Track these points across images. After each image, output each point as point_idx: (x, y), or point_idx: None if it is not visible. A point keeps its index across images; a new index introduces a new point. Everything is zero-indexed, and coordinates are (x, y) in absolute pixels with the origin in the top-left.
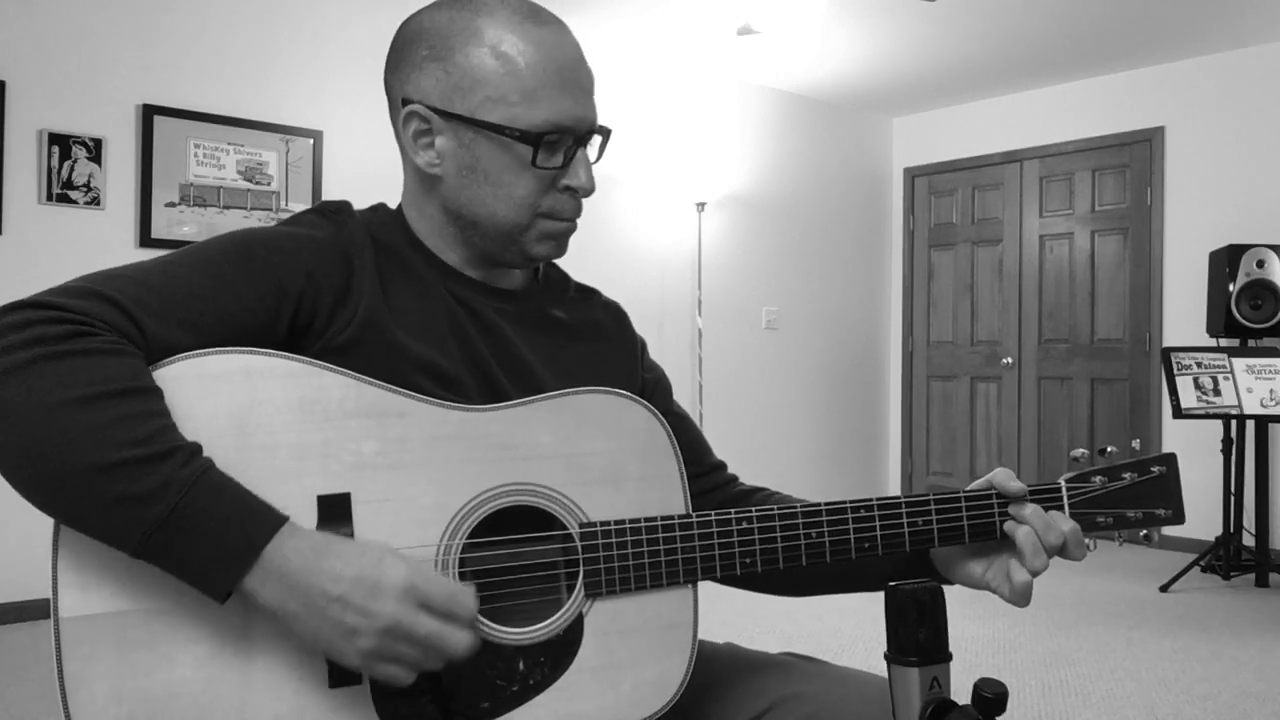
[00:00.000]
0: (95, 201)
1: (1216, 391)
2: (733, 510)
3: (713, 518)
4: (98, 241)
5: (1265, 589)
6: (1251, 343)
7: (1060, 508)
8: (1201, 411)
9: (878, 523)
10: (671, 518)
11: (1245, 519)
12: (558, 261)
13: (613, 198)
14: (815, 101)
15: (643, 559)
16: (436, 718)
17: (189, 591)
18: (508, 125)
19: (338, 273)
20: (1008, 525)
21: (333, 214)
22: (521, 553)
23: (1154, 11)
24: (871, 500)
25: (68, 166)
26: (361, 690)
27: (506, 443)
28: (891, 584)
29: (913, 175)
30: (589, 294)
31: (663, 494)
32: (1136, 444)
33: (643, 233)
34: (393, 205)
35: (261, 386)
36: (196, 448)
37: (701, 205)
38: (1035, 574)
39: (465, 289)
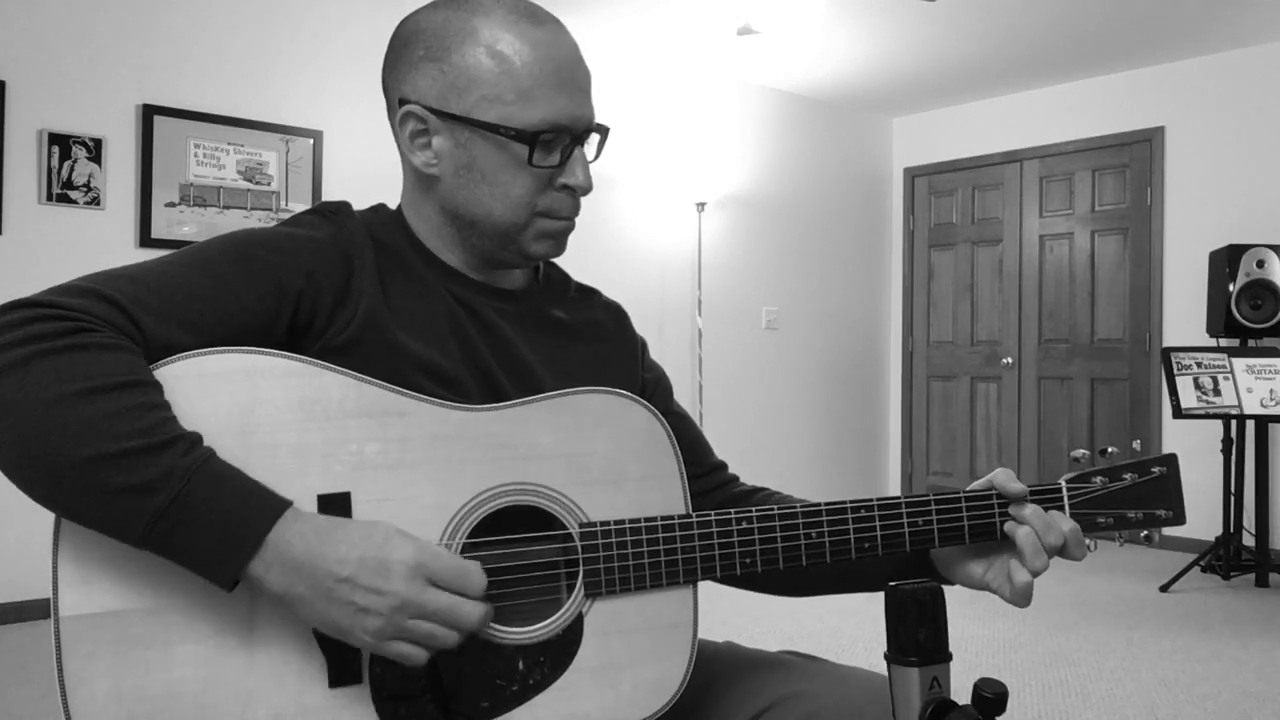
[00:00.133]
0: (95, 201)
1: (1216, 391)
2: (733, 510)
3: (713, 518)
4: (98, 241)
5: (1265, 589)
6: (1251, 343)
7: (1061, 508)
8: (1201, 411)
9: (878, 523)
10: (671, 518)
11: (1245, 519)
12: (557, 261)
13: (613, 198)
14: (815, 101)
15: (643, 559)
16: (436, 717)
17: (190, 590)
18: (504, 124)
19: (338, 273)
20: (1008, 526)
21: (332, 214)
22: (521, 552)
23: (1154, 11)
24: (871, 500)
25: (68, 166)
26: (362, 690)
27: (506, 442)
28: (891, 584)
29: (913, 175)
30: (589, 294)
31: (663, 494)
32: (1137, 444)
33: (643, 233)
34: (393, 205)
35: (262, 386)
36: (197, 437)
37: (701, 205)
38: (1036, 574)
39: (465, 289)
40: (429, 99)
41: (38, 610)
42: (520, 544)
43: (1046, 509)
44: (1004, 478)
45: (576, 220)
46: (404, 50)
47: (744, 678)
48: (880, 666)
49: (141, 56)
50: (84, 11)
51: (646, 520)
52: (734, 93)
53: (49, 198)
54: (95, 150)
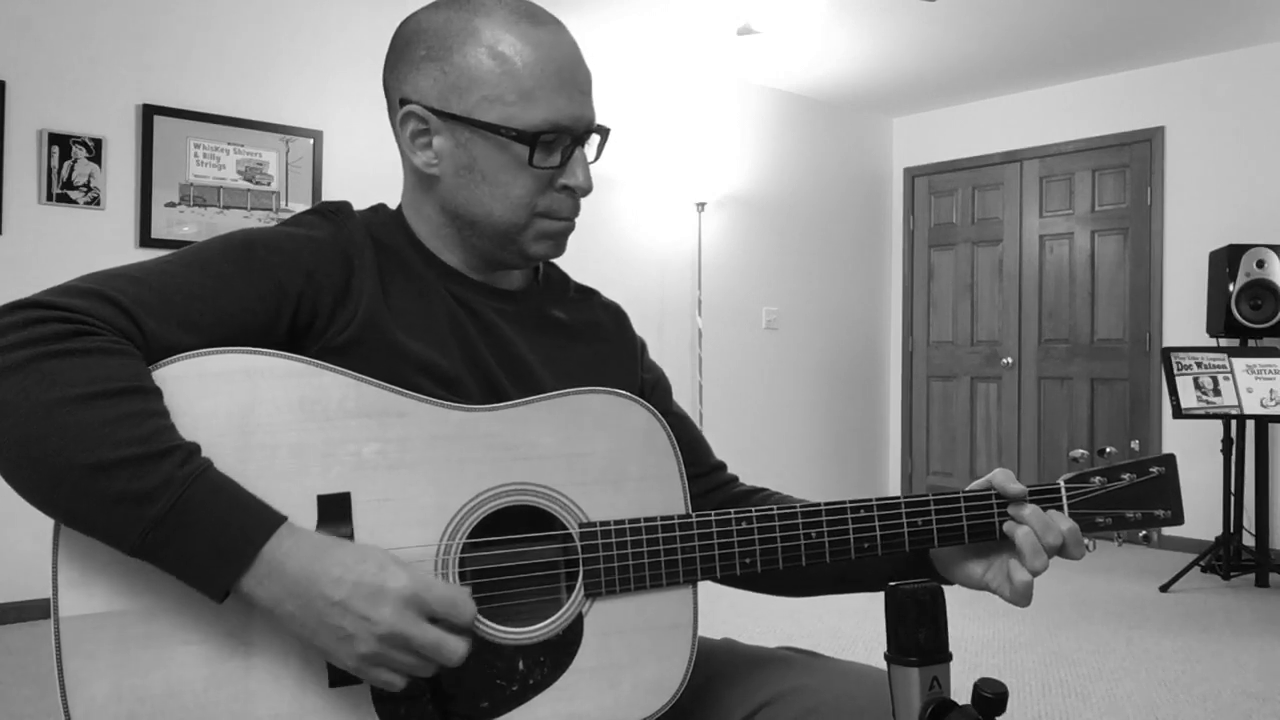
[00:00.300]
0: (95, 201)
1: (1216, 391)
2: (732, 510)
3: (712, 518)
4: (98, 241)
5: (1265, 589)
6: (1251, 343)
7: (1059, 508)
8: (1201, 411)
9: (877, 523)
10: (671, 518)
11: (1245, 519)
12: (557, 262)
13: (613, 198)
14: (815, 101)
15: (642, 559)
16: (436, 717)
17: (190, 591)
18: (504, 125)
19: (338, 273)
20: (1007, 526)
21: (333, 214)
22: (521, 553)
23: (1154, 11)
24: (871, 500)
25: (68, 166)
26: (361, 690)
27: (506, 443)
28: (891, 584)
29: (913, 175)
30: (589, 294)
31: (662, 494)
32: (1135, 445)
33: (643, 233)
34: (393, 205)
35: (262, 386)
36: (195, 447)
37: (701, 205)
38: (1035, 574)
39: (465, 289)
40: (430, 99)
41: (38, 610)
42: (520, 544)
43: (1045, 509)
44: (1003, 478)
45: (576, 221)
46: (405, 50)
47: (743, 674)
48: (880, 666)
49: (141, 56)
50: (84, 11)
51: (646, 520)
52: (734, 93)
53: (49, 198)
54: (95, 150)
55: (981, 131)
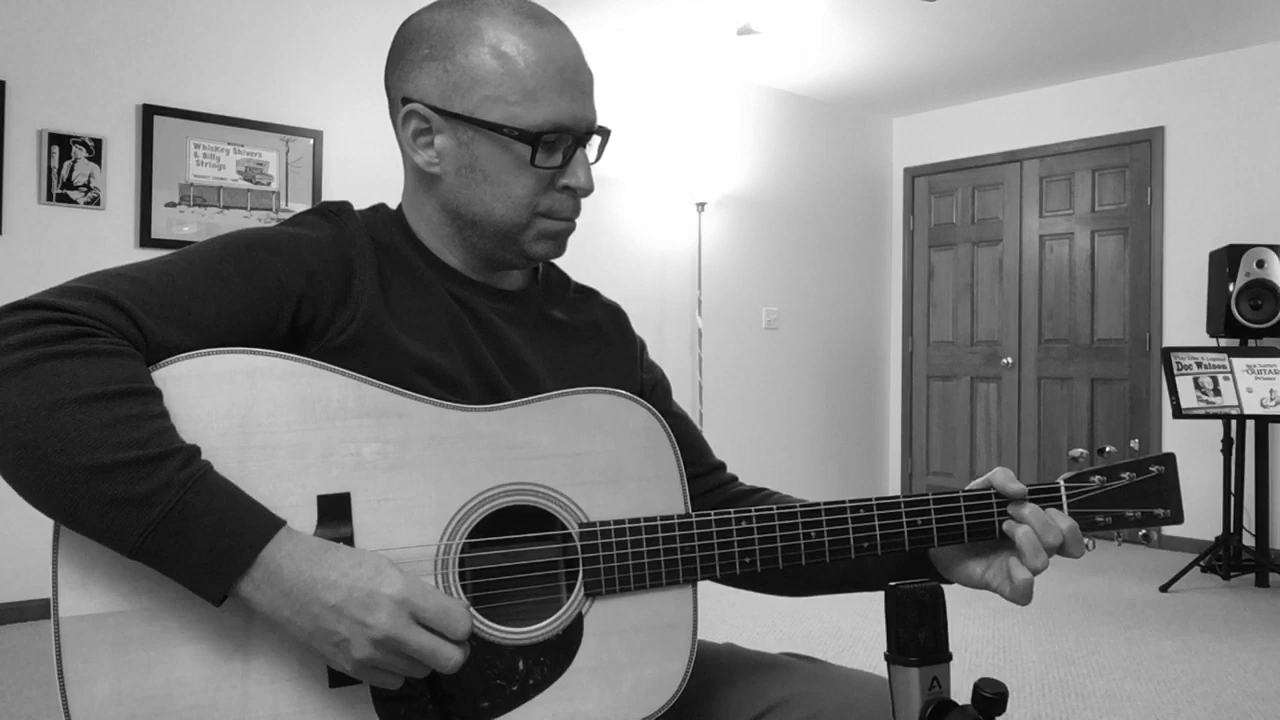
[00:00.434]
0: (95, 201)
1: (1216, 391)
2: (732, 510)
3: (712, 518)
4: (98, 241)
5: (1265, 589)
6: (1251, 343)
7: (1059, 507)
8: (1201, 411)
9: (877, 523)
10: (671, 518)
11: (1245, 519)
12: (557, 262)
13: (613, 198)
14: (815, 101)
15: (642, 559)
16: (436, 717)
17: (189, 592)
18: (507, 124)
19: (338, 273)
20: (1006, 525)
21: (333, 214)
22: (521, 552)
23: (1154, 11)
24: (870, 500)
25: (68, 166)
26: (361, 690)
27: (506, 443)
28: (891, 584)
29: (913, 175)
30: (589, 295)
31: (662, 494)
32: (1135, 444)
33: (643, 233)
34: (393, 205)
35: (262, 386)
36: (195, 450)
37: (701, 205)
38: (1035, 573)
39: (465, 290)
40: (432, 98)
41: (38, 610)
42: (520, 544)
43: (1044, 508)
44: (1003, 477)
45: (577, 221)
46: (407, 49)
47: (744, 679)
48: (880, 666)
49: (141, 56)
50: (84, 11)
51: (646, 520)
52: (734, 93)
53: (49, 198)
54: (95, 150)
55: (981, 131)
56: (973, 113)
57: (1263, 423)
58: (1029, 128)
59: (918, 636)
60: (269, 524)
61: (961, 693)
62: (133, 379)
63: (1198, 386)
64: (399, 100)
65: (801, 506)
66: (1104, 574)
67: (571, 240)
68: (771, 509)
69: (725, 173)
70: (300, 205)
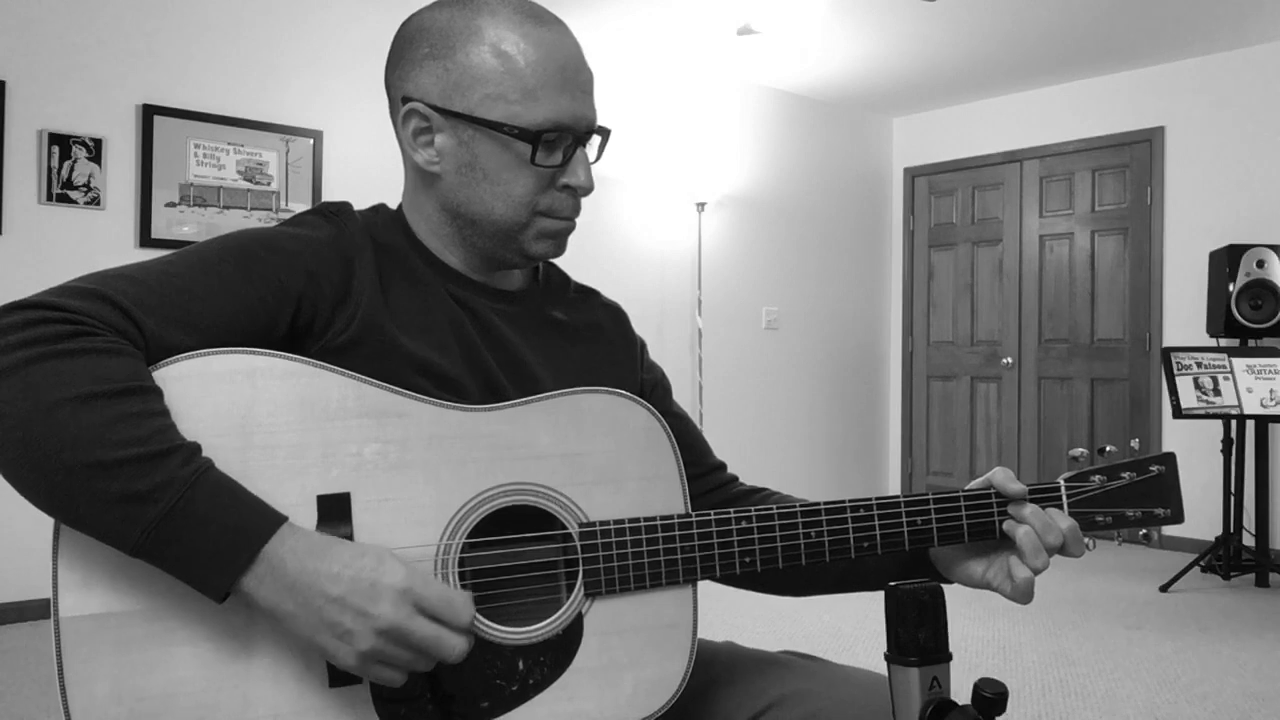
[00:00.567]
0: (95, 201)
1: (1216, 391)
2: (732, 510)
3: (712, 518)
4: (98, 241)
5: (1265, 589)
6: (1251, 343)
7: (1059, 507)
8: (1201, 411)
9: (876, 523)
10: (671, 517)
11: (1245, 519)
12: (557, 262)
13: (613, 198)
14: (815, 101)
15: (642, 559)
16: (436, 717)
17: (190, 591)
18: (507, 123)
19: (338, 274)
20: (1007, 525)
21: (333, 215)
22: (521, 552)
23: (1154, 11)
24: (870, 500)
25: (68, 166)
26: (361, 690)
27: (506, 442)
28: (891, 584)
29: (913, 175)
30: (589, 295)
31: (662, 494)
32: (1135, 444)
33: (643, 233)
34: (393, 206)
35: (262, 386)
36: (196, 447)
37: (701, 205)
38: (1036, 573)
39: (465, 290)
40: (432, 97)
41: (38, 610)
42: (520, 544)
43: (1044, 507)
44: (1003, 477)
45: (576, 221)
46: (408, 48)
47: (744, 678)
48: (880, 666)
49: (141, 56)
50: (84, 11)
51: (646, 520)
52: (734, 93)
53: (49, 198)
54: (95, 150)
55: (981, 131)
56: (973, 113)
57: (1263, 423)
58: (1029, 128)
59: (918, 636)
60: (271, 520)
61: (961, 693)
62: (133, 377)
63: (1198, 386)
64: (399, 99)
65: (801, 506)
66: (1104, 574)
67: (571, 240)
68: (771, 509)
69: (725, 173)
70: (300, 205)
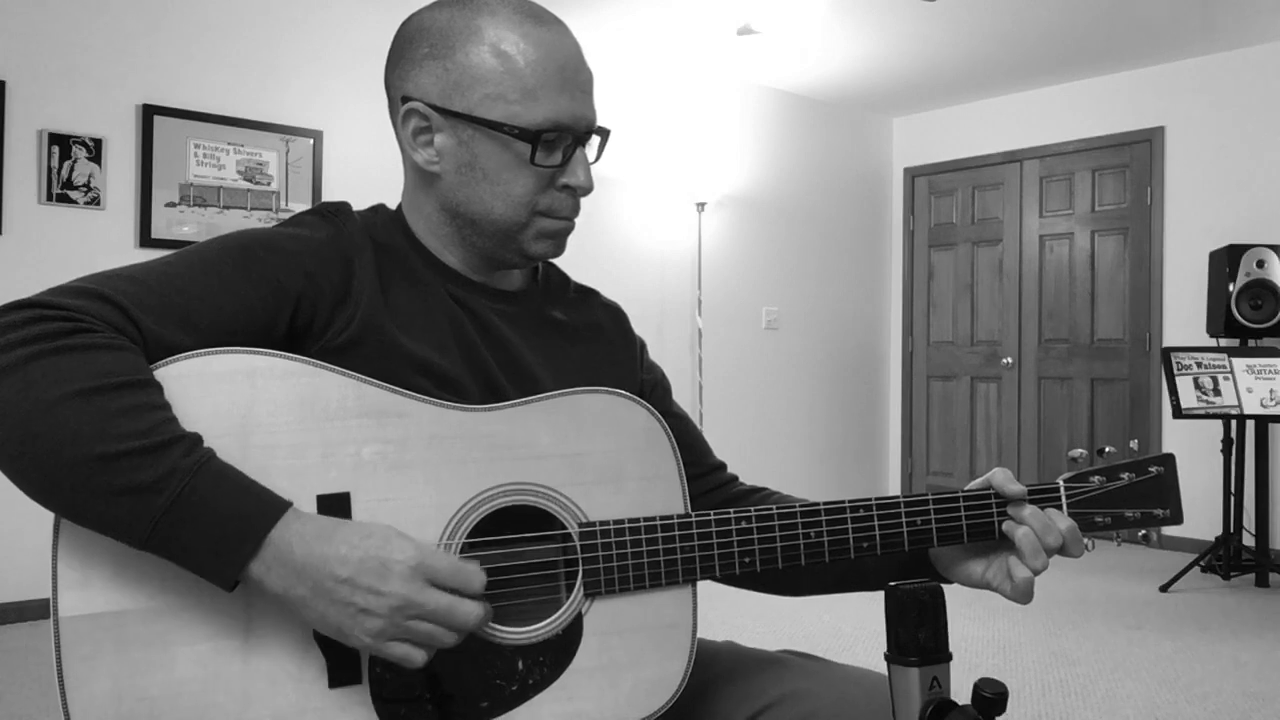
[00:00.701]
0: (95, 201)
1: (1216, 391)
2: (732, 510)
3: (712, 518)
4: (98, 241)
5: (1265, 589)
6: (1251, 343)
7: (1058, 508)
8: (1201, 411)
9: (876, 523)
10: (671, 518)
11: (1245, 519)
12: (557, 262)
13: (613, 198)
14: (815, 101)
15: (642, 559)
16: (436, 717)
17: (190, 590)
18: (507, 123)
19: (337, 274)
20: (1006, 525)
21: (332, 215)
22: (521, 552)
23: (1154, 11)
24: (870, 500)
25: (68, 166)
26: (361, 690)
27: (506, 442)
28: (891, 584)
29: (913, 175)
30: (588, 295)
31: (662, 494)
32: (1134, 444)
33: (643, 233)
34: (392, 206)
35: (262, 386)
36: (197, 438)
37: (701, 205)
38: (1036, 573)
39: (465, 290)
40: (432, 96)
41: (38, 610)
42: (520, 544)
43: (1043, 508)
44: (1002, 478)
45: (576, 221)
46: (408, 48)
47: (743, 677)
48: (880, 666)
49: (141, 56)
50: (84, 11)
51: (646, 520)
52: (734, 93)
53: (49, 198)
54: (95, 150)
55: (981, 131)
56: (973, 113)
57: (1263, 423)
58: (1029, 128)
59: (918, 636)
60: (275, 505)
61: (961, 693)
62: (132, 371)
63: (1198, 386)
64: (399, 99)
65: (801, 506)
66: (1104, 574)
67: (571, 240)
68: (771, 509)
69: (725, 173)
70: (300, 205)
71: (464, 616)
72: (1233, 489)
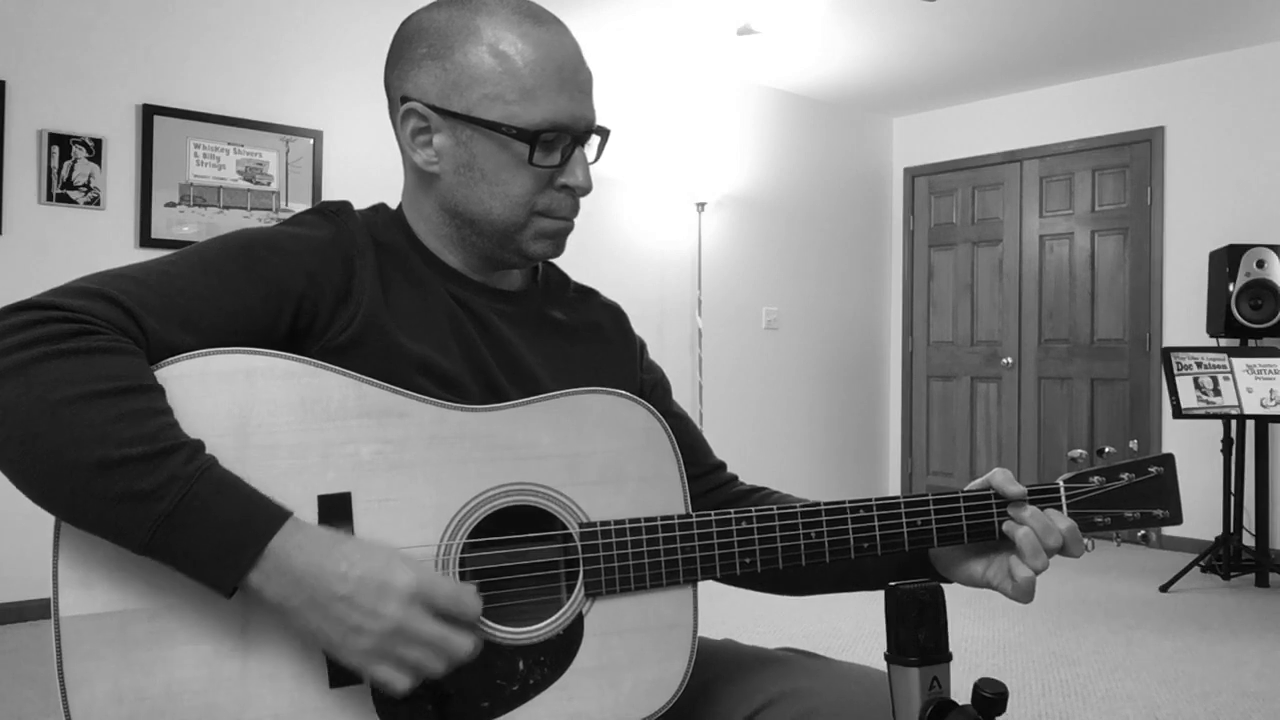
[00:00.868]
0: (95, 201)
1: (1216, 391)
2: (732, 510)
3: (712, 518)
4: (98, 241)
5: (1265, 589)
6: (1251, 343)
7: (1058, 508)
8: (1201, 411)
9: (876, 523)
10: (671, 518)
11: (1245, 519)
12: (557, 262)
13: (613, 198)
14: (815, 101)
15: (642, 559)
16: (436, 717)
17: (190, 590)
18: (505, 123)
19: (339, 273)
20: (1006, 526)
21: (334, 214)
22: (521, 552)
23: (1154, 11)
24: (870, 500)
25: (68, 166)
26: (362, 690)
27: (507, 443)
28: (891, 584)
29: (913, 175)
30: (588, 295)
31: (662, 494)
32: (1134, 444)
33: (643, 233)
34: (393, 205)
35: (262, 386)
36: (199, 444)
37: (701, 205)
38: (1037, 573)
39: (465, 290)
40: (430, 97)
41: (38, 610)
42: (520, 544)
43: (1043, 508)
44: (1002, 479)
45: (576, 221)
46: (406, 48)
47: (743, 675)
48: (880, 666)
49: (141, 56)
50: (84, 11)
51: (646, 520)
52: (734, 93)
53: (49, 198)
54: (95, 150)
55: (981, 131)
56: (973, 113)
57: (1263, 423)
58: (1029, 128)
59: (918, 636)
60: (276, 515)
61: (961, 693)
62: (135, 375)
63: (1198, 386)
64: (398, 99)
65: (801, 507)
66: (1104, 574)
67: (571, 240)
68: (771, 509)
69: (725, 173)
70: (300, 205)
71: (455, 648)
72: (1233, 489)
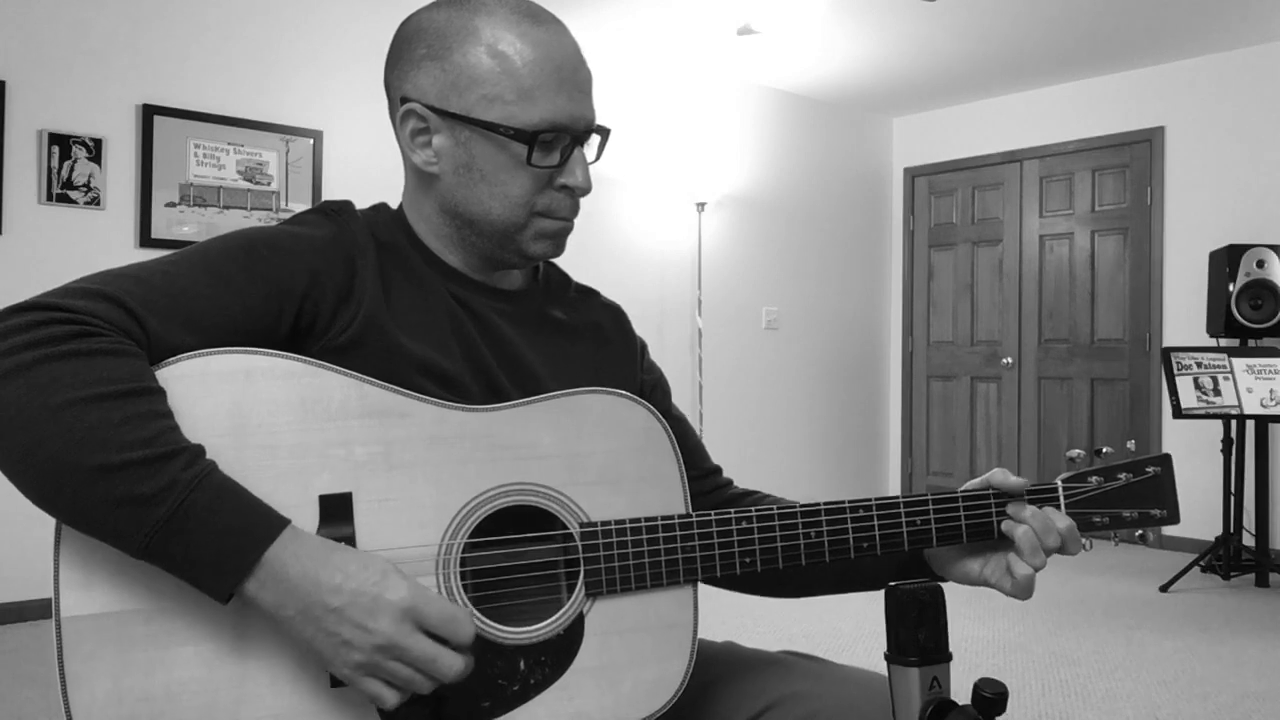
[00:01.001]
0: (95, 201)
1: (1216, 391)
2: (732, 510)
3: (712, 517)
4: (98, 241)
5: (1265, 589)
6: (1251, 343)
7: (1057, 508)
8: (1201, 411)
9: (876, 523)
10: (671, 518)
11: (1245, 519)
12: (557, 262)
13: (613, 198)
14: (815, 101)
15: (643, 559)
16: (437, 717)
17: (190, 591)
18: (503, 123)
19: (340, 273)
20: (1005, 525)
21: (335, 214)
22: (522, 552)
23: (1154, 11)
24: (870, 500)
25: (68, 166)
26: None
27: (507, 443)
28: (891, 584)
29: (913, 175)
30: (589, 295)
31: (662, 494)
32: (1132, 444)
33: (643, 233)
34: (393, 205)
35: (263, 386)
36: (200, 449)
37: (701, 205)
38: (1035, 570)
39: (466, 290)
40: (429, 97)
41: (38, 610)
42: (521, 544)
43: (1041, 507)
44: (1001, 476)
45: (575, 221)
46: (406, 49)
47: (744, 678)
48: (880, 666)
49: (141, 56)
50: (84, 11)
51: (647, 520)
52: (734, 93)
53: (49, 198)
54: (95, 150)
55: (981, 131)
56: (973, 113)
57: (1263, 423)
58: (1029, 128)
59: (918, 636)
60: (274, 524)
61: (961, 693)
62: (137, 378)
63: (1198, 386)
64: (398, 100)
65: (801, 507)
66: (1104, 574)
67: (571, 240)
68: (772, 509)
69: (725, 173)
70: (300, 205)
71: (445, 668)
72: (1233, 489)
